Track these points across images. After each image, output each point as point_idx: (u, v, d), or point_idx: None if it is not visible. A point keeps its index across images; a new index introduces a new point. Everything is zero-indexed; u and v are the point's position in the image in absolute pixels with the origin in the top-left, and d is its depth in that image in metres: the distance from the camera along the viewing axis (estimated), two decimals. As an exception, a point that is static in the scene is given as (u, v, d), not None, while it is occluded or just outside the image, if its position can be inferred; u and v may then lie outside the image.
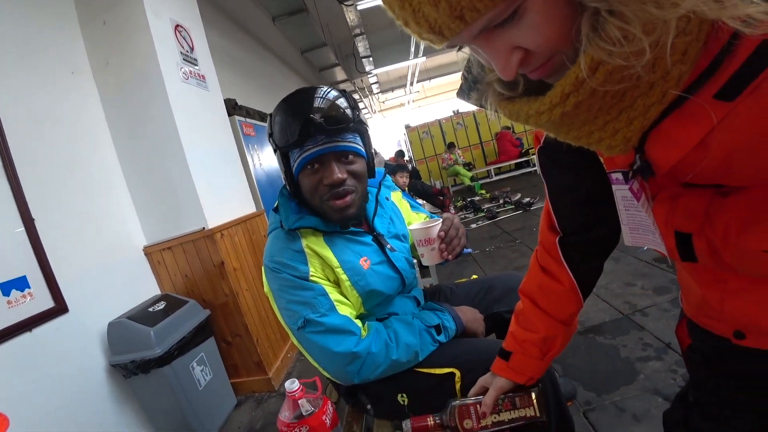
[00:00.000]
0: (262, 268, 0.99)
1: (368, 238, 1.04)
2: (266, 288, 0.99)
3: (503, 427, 0.75)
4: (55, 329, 1.56)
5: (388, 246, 1.06)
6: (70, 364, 1.60)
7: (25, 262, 1.51)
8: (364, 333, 0.93)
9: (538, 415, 0.74)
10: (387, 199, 1.17)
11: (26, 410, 1.40)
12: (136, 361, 1.66)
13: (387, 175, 1.19)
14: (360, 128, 0.95)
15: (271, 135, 0.94)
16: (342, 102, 0.91)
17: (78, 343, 1.65)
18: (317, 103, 0.89)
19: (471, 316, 1.06)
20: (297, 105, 0.90)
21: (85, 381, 1.64)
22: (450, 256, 0.96)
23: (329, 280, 0.96)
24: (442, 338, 0.97)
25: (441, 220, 0.97)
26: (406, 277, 1.08)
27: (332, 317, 0.90)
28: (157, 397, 1.76)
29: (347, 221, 0.98)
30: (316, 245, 0.96)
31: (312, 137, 0.87)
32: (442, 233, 0.95)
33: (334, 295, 0.93)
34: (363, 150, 0.97)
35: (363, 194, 1.00)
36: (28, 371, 1.44)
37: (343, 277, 0.96)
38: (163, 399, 1.76)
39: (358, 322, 0.94)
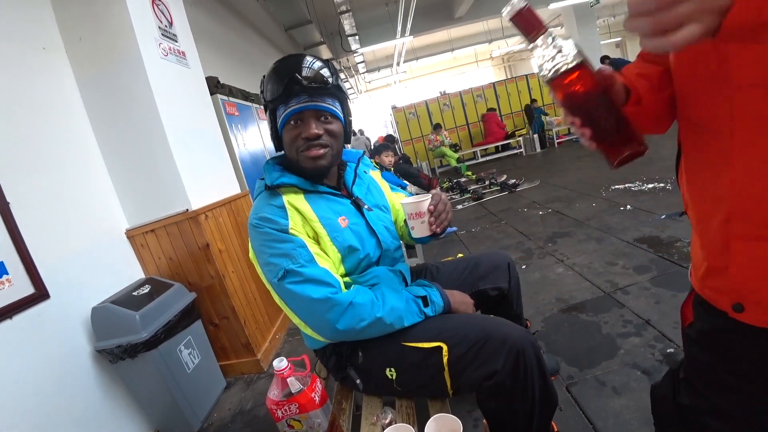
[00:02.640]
0: (248, 229, 1.04)
1: (347, 201, 1.10)
2: (251, 253, 1.03)
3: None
4: (37, 316, 1.53)
5: (366, 206, 1.11)
6: (54, 350, 1.57)
7: (2, 247, 1.46)
8: (344, 289, 0.96)
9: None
10: (365, 172, 1.25)
11: (10, 398, 1.37)
12: (123, 345, 1.64)
13: (365, 156, 1.27)
14: (339, 95, 1.04)
15: (262, 92, 1.03)
16: (325, 69, 1.00)
17: (61, 330, 1.62)
18: (303, 64, 0.98)
19: (459, 298, 1.10)
20: (285, 66, 0.99)
21: (70, 367, 1.62)
22: (438, 229, 1.00)
23: (309, 236, 0.99)
24: (428, 311, 1.01)
25: (430, 195, 1.01)
26: (383, 241, 1.12)
27: (312, 268, 0.93)
28: (146, 382, 1.75)
29: (320, 172, 1.04)
30: (296, 201, 1.01)
31: (296, 96, 0.96)
32: (432, 207, 0.99)
33: (313, 248, 0.97)
34: (340, 113, 1.04)
35: (337, 153, 1.06)
36: (11, 359, 1.41)
37: (322, 231, 1.00)
38: (151, 383, 1.75)
39: (339, 278, 0.97)
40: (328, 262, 0.99)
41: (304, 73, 0.95)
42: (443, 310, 1.03)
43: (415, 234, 1.03)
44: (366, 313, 0.93)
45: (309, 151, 0.99)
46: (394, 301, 0.97)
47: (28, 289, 1.51)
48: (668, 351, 1.52)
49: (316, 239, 1.01)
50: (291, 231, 0.96)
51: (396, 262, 1.18)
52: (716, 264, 0.57)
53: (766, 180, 0.49)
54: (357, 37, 8.05)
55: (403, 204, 1.04)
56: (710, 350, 0.63)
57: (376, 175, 1.31)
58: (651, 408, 0.78)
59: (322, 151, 1.00)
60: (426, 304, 1.01)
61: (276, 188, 1.03)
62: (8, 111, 1.61)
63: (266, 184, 1.03)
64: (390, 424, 0.94)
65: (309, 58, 1.00)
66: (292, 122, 0.99)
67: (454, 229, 3.89)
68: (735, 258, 0.54)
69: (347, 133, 1.10)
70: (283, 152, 1.09)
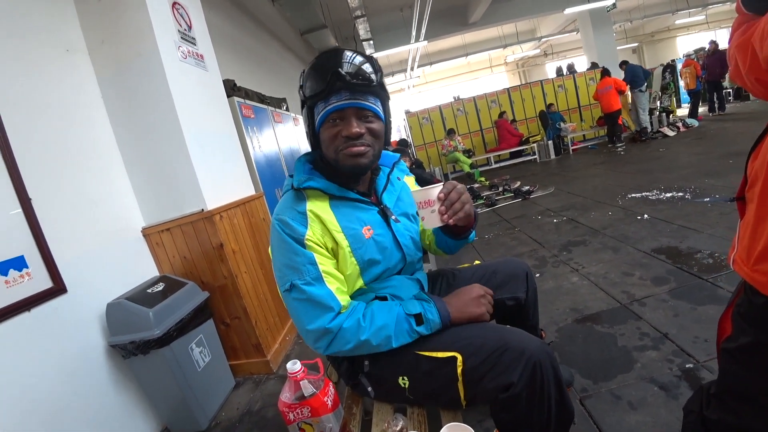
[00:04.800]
0: (271, 224, 1.02)
1: (374, 210, 1.06)
2: (270, 247, 1.02)
3: None
4: (54, 309, 1.56)
5: (393, 217, 1.07)
6: (69, 344, 1.60)
7: (23, 242, 1.50)
8: (344, 310, 0.93)
9: None
10: (398, 179, 1.19)
11: (25, 388, 1.40)
12: (136, 341, 1.66)
13: (402, 161, 1.22)
14: (381, 94, 0.99)
15: (301, 87, 0.99)
16: (367, 65, 0.96)
17: (77, 324, 1.65)
18: (346, 59, 0.94)
19: (461, 302, 1.01)
20: (327, 60, 0.95)
21: (83, 361, 1.64)
22: (450, 220, 0.91)
23: (326, 248, 0.97)
24: (422, 329, 0.95)
25: (441, 184, 0.94)
26: (408, 254, 1.08)
27: (316, 288, 0.91)
28: (156, 378, 1.77)
29: (359, 171, 1.00)
30: (320, 210, 0.98)
31: (336, 93, 0.92)
32: (442, 195, 0.91)
33: (324, 266, 0.94)
34: (382, 113, 1.00)
35: (377, 153, 1.02)
36: (27, 350, 1.44)
37: (344, 243, 0.97)
38: (162, 380, 1.77)
39: (343, 299, 0.94)
40: (338, 281, 0.96)
41: (346, 69, 0.91)
42: (441, 327, 0.97)
43: (427, 225, 0.95)
44: (351, 336, 0.91)
45: (350, 148, 0.94)
46: (383, 320, 0.93)
47: (46, 283, 1.54)
48: (687, 366, 1.48)
49: (335, 251, 0.98)
50: (306, 240, 0.93)
51: (415, 270, 1.16)
52: None
53: None
54: (371, 42, 8.11)
55: (412, 193, 0.97)
56: (748, 365, 0.60)
57: (410, 180, 1.25)
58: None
59: (363, 148, 0.95)
60: (420, 322, 0.95)
61: (302, 191, 1.00)
62: (32, 111, 1.66)
63: (294, 186, 0.99)
64: (401, 431, 0.93)
65: (351, 53, 0.96)
66: (331, 120, 0.95)
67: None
68: None
69: (388, 134, 1.05)
70: (315, 152, 1.06)
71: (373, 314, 0.94)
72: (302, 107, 1.02)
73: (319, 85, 0.93)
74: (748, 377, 0.60)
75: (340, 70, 0.90)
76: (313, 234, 0.94)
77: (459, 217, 0.91)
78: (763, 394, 0.58)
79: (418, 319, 0.95)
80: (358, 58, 0.95)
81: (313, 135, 1.02)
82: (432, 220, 0.92)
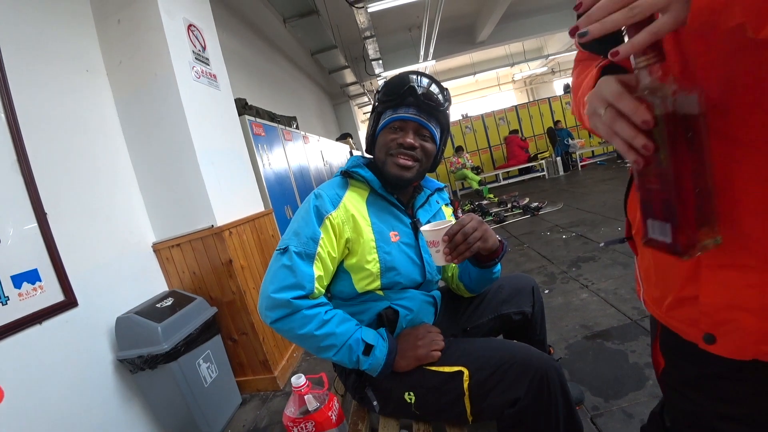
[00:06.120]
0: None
1: (407, 220, 1.09)
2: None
3: None
4: (65, 322, 1.58)
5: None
6: (78, 357, 1.61)
7: (37, 255, 1.53)
8: (312, 297, 0.93)
9: None
10: (437, 202, 1.22)
11: (33, 400, 1.41)
12: (144, 356, 1.67)
13: (444, 191, 1.28)
14: (443, 123, 1.08)
15: (377, 93, 1.08)
16: (439, 93, 1.04)
17: (86, 337, 1.66)
18: (424, 82, 1.02)
19: (405, 346, 0.99)
20: (408, 76, 1.03)
21: (92, 374, 1.65)
22: (455, 261, 0.90)
23: (341, 236, 0.98)
24: (364, 361, 0.93)
25: (451, 223, 0.93)
26: (428, 271, 1.09)
27: (304, 264, 0.93)
28: (163, 393, 1.77)
29: (401, 183, 1.04)
30: (355, 201, 1.03)
31: (406, 106, 1.01)
32: (446, 237, 0.89)
33: (323, 249, 0.95)
34: (438, 139, 1.08)
35: (422, 171, 1.08)
36: (38, 362, 1.45)
37: (370, 236, 1.00)
38: (168, 395, 1.77)
39: (318, 287, 0.94)
40: (323, 269, 0.96)
41: (421, 88, 1.00)
42: (381, 368, 0.95)
43: (436, 262, 0.95)
44: (305, 323, 0.90)
45: (399, 157, 1.01)
46: (340, 329, 0.92)
47: (58, 297, 1.57)
48: (702, 384, 1.44)
49: (351, 242, 0.99)
50: (327, 218, 0.97)
51: (432, 288, 1.17)
52: (684, 294, 0.53)
53: (745, 202, 0.44)
54: (381, 62, 8.25)
55: (421, 231, 0.96)
56: (692, 397, 0.58)
57: (447, 211, 1.26)
58: None
59: (411, 162, 1.02)
60: (367, 354, 0.94)
61: (349, 176, 1.07)
62: (52, 128, 1.72)
63: (342, 170, 1.08)
64: (406, 447, 0.92)
65: (429, 80, 1.03)
66: (392, 127, 1.03)
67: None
68: (706, 287, 0.50)
69: (436, 161, 1.12)
70: (370, 157, 1.12)
71: (335, 318, 0.94)
72: (372, 112, 1.11)
73: (393, 94, 1.02)
74: (696, 409, 0.58)
75: (415, 86, 0.99)
76: (337, 215, 0.98)
77: (465, 257, 0.90)
78: (717, 419, 0.55)
79: (368, 349, 0.94)
80: (435, 86, 1.03)
81: (372, 137, 1.10)
82: (438, 259, 0.93)
